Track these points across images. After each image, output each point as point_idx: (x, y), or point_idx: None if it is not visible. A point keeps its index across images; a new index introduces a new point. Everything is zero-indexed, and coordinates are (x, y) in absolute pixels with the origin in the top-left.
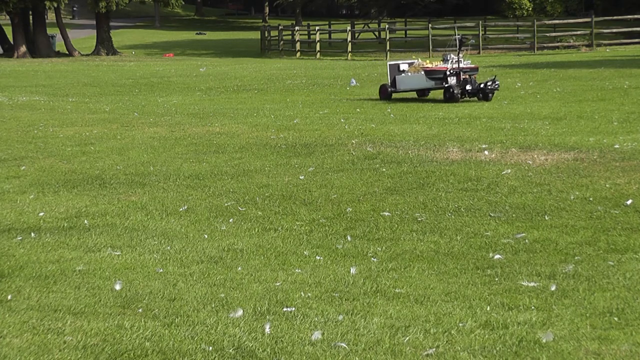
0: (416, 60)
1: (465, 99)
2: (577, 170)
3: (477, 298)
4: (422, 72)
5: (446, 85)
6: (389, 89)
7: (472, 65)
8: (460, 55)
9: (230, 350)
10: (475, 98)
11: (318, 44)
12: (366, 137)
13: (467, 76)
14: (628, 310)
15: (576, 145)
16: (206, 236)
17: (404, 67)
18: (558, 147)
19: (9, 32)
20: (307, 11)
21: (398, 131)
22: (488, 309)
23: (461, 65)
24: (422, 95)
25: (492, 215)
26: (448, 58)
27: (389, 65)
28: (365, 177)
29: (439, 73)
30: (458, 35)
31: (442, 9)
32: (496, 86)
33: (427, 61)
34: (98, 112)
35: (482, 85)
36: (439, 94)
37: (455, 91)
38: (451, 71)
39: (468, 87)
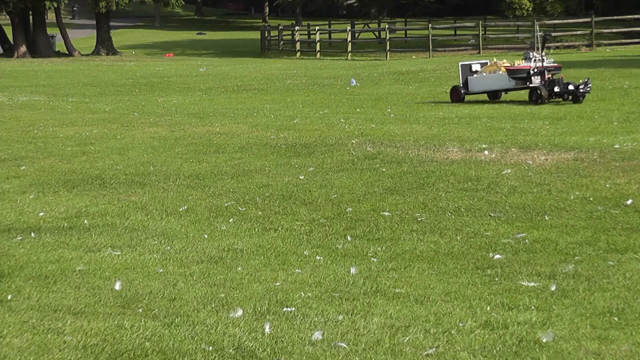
0: (488, 61)
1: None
2: (577, 170)
3: (477, 298)
4: (500, 72)
5: (531, 86)
6: (462, 91)
7: (556, 64)
8: (543, 53)
9: (230, 350)
10: (560, 99)
11: (318, 44)
12: (366, 137)
13: (551, 75)
14: (628, 310)
15: (576, 145)
16: (206, 236)
17: (476, 67)
18: (558, 147)
19: (9, 32)
20: (307, 11)
21: (398, 131)
22: (488, 309)
23: (544, 63)
24: (494, 97)
25: (492, 215)
26: (530, 56)
27: (461, 65)
28: (365, 177)
29: (522, 72)
30: (540, 32)
31: (442, 9)
32: (588, 89)
33: (505, 60)
34: (98, 112)
35: (571, 87)
36: (512, 95)
37: (543, 93)
38: (535, 70)
39: (556, 88)
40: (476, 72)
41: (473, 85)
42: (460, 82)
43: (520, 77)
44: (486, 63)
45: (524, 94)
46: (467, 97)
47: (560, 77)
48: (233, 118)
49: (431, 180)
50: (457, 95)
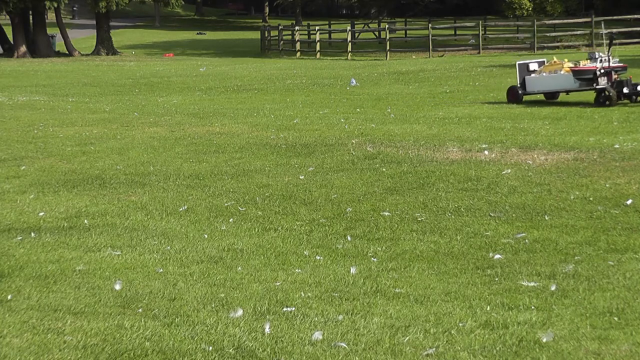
0: (545, 59)
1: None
2: (577, 170)
3: (477, 298)
4: (562, 72)
5: (598, 88)
6: (520, 92)
7: (622, 64)
8: (609, 52)
9: (230, 350)
10: (628, 100)
11: (318, 44)
12: (366, 137)
13: (617, 76)
14: (628, 310)
15: (576, 145)
16: (206, 236)
17: (533, 66)
18: (558, 147)
19: (9, 32)
20: (307, 11)
21: (398, 131)
22: (488, 309)
23: (610, 63)
24: (551, 97)
25: (492, 215)
26: (596, 56)
27: (518, 64)
28: (365, 177)
29: (588, 73)
30: (606, 30)
31: (442, 9)
32: None
33: (566, 59)
34: (98, 112)
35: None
36: (572, 96)
37: (611, 94)
38: (601, 71)
39: (625, 89)
40: (534, 71)
41: (531, 85)
42: (518, 82)
43: (586, 78)
44: (543, 62)
45: (577, 96)
46: (526, 97)
47: (628, 78)
48: (233, 118)
49: (431, 180)
50: (515, 96)
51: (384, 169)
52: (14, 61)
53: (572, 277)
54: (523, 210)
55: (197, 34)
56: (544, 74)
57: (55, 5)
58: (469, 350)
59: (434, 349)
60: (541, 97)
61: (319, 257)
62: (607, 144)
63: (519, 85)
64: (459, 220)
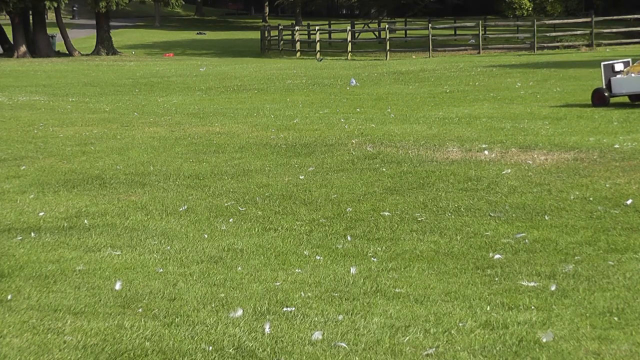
0: (630, 59)
1: None
2: (577, 170)
3: (477, 298)
4: None
5: None
6: (606, 94)
7: None
8: None
9: (230, 350)
10: None
11: (318, 43)
12: (366, 137)
13: None
14: (628, 310)
15: (576, 145)
16: (206, 236)
17: (619, 67)
18: (558, 147)
19: (9, 32)
20: (307, 11)
21: (398, 131)
22: (488, 309)
23: None
24: (636, 100)
25: (492, 215)
26: None
27: (603, 65)
28: (365, 177)
29: None
30: None
31: (442, 9)
32: None
33: None
34: (98, 112)
35: None
36: None
37: None
38: None
39: None
40: (620, 72)
41: (618, 86)
42: (603, 83)
43: None
44: (628, 62)
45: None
46: (613, 100)
47: None
48: (233, 118)
49: (431, 180)
50: (602, 98)
51: (384, 169)
52: (14, 61)
53: (572, 277)
54: (523, 210)
55: (197, 34)
56: (632, 75)
57: (55, 5)
58: (469, 350)
59: (434, 349)
60: (625, 99)
61: (319, 257)
62: (607, 144)
63: (604, 87)
64: (459, 220)
